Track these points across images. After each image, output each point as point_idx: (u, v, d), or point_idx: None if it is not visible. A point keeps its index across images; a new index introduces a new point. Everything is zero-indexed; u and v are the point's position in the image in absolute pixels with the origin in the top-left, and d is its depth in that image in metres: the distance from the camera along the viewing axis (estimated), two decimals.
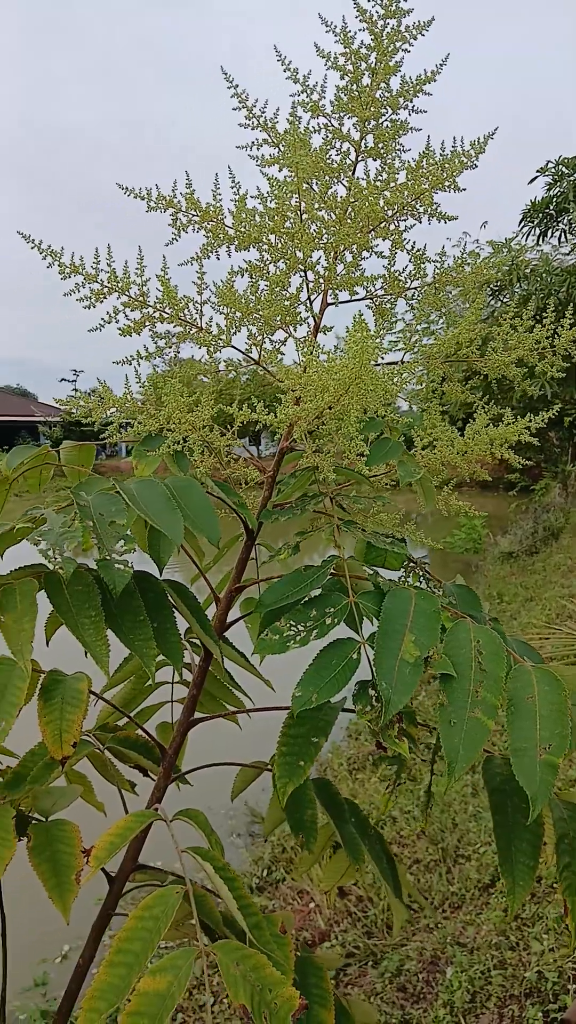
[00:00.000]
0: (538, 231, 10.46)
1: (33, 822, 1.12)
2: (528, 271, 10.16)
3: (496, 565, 12.22)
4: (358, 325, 0.91)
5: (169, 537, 0.92)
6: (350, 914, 4.04)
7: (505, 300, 10.31)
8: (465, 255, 1.25)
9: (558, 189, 9.99)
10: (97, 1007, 0.83)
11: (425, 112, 1.18)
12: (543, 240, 10.61)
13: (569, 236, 10.53)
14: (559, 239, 10.63)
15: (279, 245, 1.16)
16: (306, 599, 1.03)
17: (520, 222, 10.49)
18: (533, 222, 10.46)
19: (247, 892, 0.97)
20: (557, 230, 10.48)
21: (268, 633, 1.00)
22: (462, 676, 0.93)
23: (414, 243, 1.21)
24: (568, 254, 10.99)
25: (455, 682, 0.92)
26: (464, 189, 1.15)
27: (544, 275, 9.88)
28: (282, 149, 1.14)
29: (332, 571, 1.09)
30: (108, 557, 0.89)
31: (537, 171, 10.11)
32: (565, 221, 10.16)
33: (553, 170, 9.98)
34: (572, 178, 9.81)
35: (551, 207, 10.15)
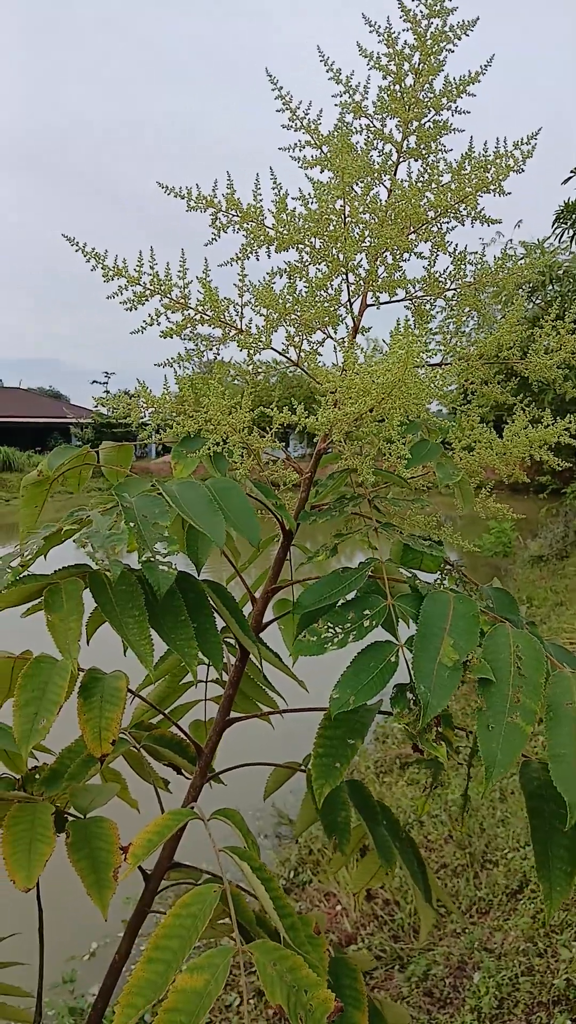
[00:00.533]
0: (572, 232, 10.35)
1: (71, 819, 1.13)
2: (561, 272, 10.06)
3: (526, 569, 12.12)
4: (403, 329, 0.91)
5: (211, 538, 0.92)
6: (377, 917, 4.03)
7: (538, 301, 10.22)
8: (504, 256, 1.24)
9: None
10: (135, 1003, 0.84)
11: (469, 112, 1.17)
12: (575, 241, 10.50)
13: None
14: None
15: (321, 247, 1.17)
16: (343, 601, 1.03)
17: (553, 223, 10.40)
18: (566, 223, 10.36)
19: (283, 893, 0.97)
20: None
21: (306, 635, 1.01)
22: (501, 681, 0.92)
23: (456, 245, 1.20)
24: None
25: (494, 687, 0.92)
26: (509, 193, 1.14)
27: None
28: (325, 151, 1.14)
29: (370, 573, 1.08)
30: (152, 559, 0.90)
31: (571, 172, 10.00)
32: None
33: None
34: None
35: None
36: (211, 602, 1.08)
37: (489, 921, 3.74)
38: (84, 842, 1.07)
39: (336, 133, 1.14)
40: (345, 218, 1.14)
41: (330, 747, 1.06)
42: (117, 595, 0.94)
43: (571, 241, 10.62)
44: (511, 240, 10.83)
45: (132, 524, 0.91)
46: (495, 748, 0.88)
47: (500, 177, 1.12)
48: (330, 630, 1.00)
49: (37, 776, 1.27)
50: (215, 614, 1.09)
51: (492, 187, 1.13)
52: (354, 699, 0.94)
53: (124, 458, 1.31)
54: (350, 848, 1.41)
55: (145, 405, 1.22)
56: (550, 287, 9.85)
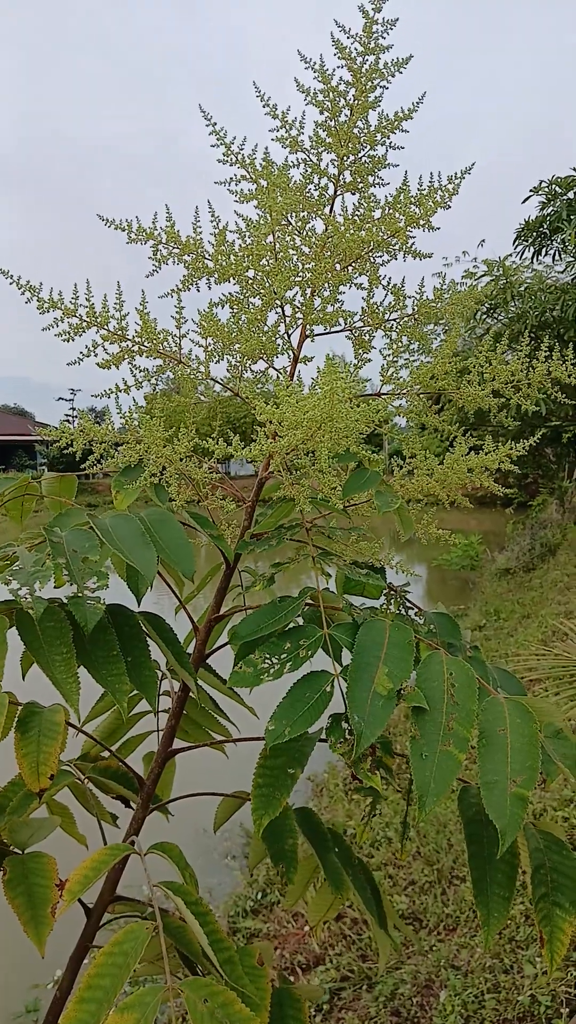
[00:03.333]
0: (532, 250, 10.52)
1: (10, 855, 1.11)
2: (523, 290, 10.21)
3: (493, 582, 12.21)
4: (329, 367, 0.92)
5: (142, 572, 0.92)
6: (345, 937, 4.02)
7: (500, 318, 10.35)
8: (444, 286, 1.27)
9: (551, 208, 10.06)
10: None
11: (403, 148, 1.19)
12: (537, 259, 10.67)
13: (563, 255, 10.59)
14: (553, 258, 10.69)
15: (256, 280, 1.18)
16: (281, 631, 1.04)
17: (514, 241, 10.56)
18: (527, 241, 10.53)
19: (219, 927, 0.96)
20: (551, 249, 10.55)
21: (242, 665, 1.01)
22: (434, 709, 0.93)
23: (391, 279, 1.22)
24: (562, 272, 11.05)
25: (427, 715, 0.93)
26: (438, 228, 1.16)
27: (538, 293, 9.93)
28: (259, 186, 1.16)
29: (309, 602, 1.09)
30: (80, 594, 0.89)
31: (530, 190, 10.17)
32: (559, 240, 10.22)
33: (546, 189, 10.05)
34: (565, 197, 9.88)
35: (545, 226, 10.22)
36: (146, 634, 1.07)
37: (456, 938, 3.74)
38: (21, 878, 1.06)
39: (264, 169, 1.15)
40: (276, 253, 1.16)
41: (270, 777, 1.06)
42: (44, 632, 0.93)
43: (532, 259, 10.80)
44: (475, 259, 11.00)
45: (61, 560, 0.90)
46: (428, 777, 0.89)
47: (428, 213, 1.14)
48: (266, 660, 1.01)
49: None
50: (153, 645, 1.08)
51: (421, 222, 1.15)
52: (289, 730, 0.95)
53: (67, 488, 1.31)
54: (301, 877, 1.40)
55: (87, 435, 1.22)
56: (512, 304, 9.99)
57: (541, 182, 10.15)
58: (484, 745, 0.91)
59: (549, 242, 10.53)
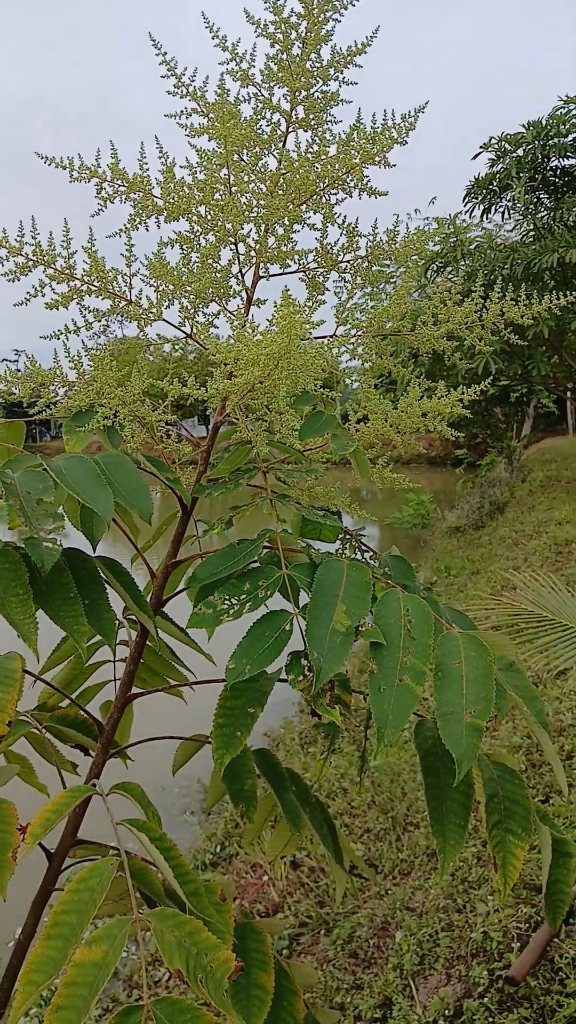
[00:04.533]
0: (482, 208, 10.51)
1: None
2: (473, 248, 10.22)
3: (444, 539, 12.41)
4: (286, 301, 0.91)
5: (99, 513, 0.91)
6: (303, 885, 4.11)
7: (450, 276, 10.36)
8: (396, 228, 1.26)
9: (501, 166, 10.04)
10: (35, 979, 0.84)
11: (356, 84, 1.17)
12: (487, 217, 10.67)
13: (512, 213, 10.61)
14: (502, 216, 10.71)
15: (209, 217, 1.15)
16: (239, 573, 1.04)
17: (464, 198, 10.53)
18: (477, 198, 10.50)
19: (184, 861, 0.98)
20: (501, 207, 10.55)
21: (201, 607, 1.01)
22: (391, 644, 0.94)
23: (345, 217, 1.21)
24: (511, 231, 11.08)
25: (384, 650, 0.94)
26: (394, 165, 1.15)
27: (488, 252, 9.95)
28: (210, 119, 1.13)
29: (267, 544, 1.09)
30: (36, 535, 0.88)
31: (480, 147, 10.12)
32: (508, 198, 10.23)
33: (496, 146, 10.01)
34: (515, 155, 9.86)
35: (494, 183, 10.20)
36: (104, 578, 1.07)
37: (411, 881, 3.86)
38: None
39: (218, 100, 1.12)
40: (231, 187, 1.13)
41: (230, 717, 1.07)
42: (1, 574, 0.92)
43: (481, 216, 10.80)
44: (427, 217, 10.96)
45: (13, 501, 0.88)
46: (387, 709, 0.90)
47: (383, 149, 1.12)
48: (226, 602, 1.01)
49: None
50: (110, 591, 1.08)
51: (377, 159, 1.14)
52: (249, 668, 0.95)
53: (15, 435, 1.28)
54: (260, 816, 1.43)
55: (33, 380, 1.19)
56: (462, 262, 9.99)
57: (491, 139, 10.11)
58: (440, 678, 0.93)
59: (499, 200, 10.52)
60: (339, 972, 3.36)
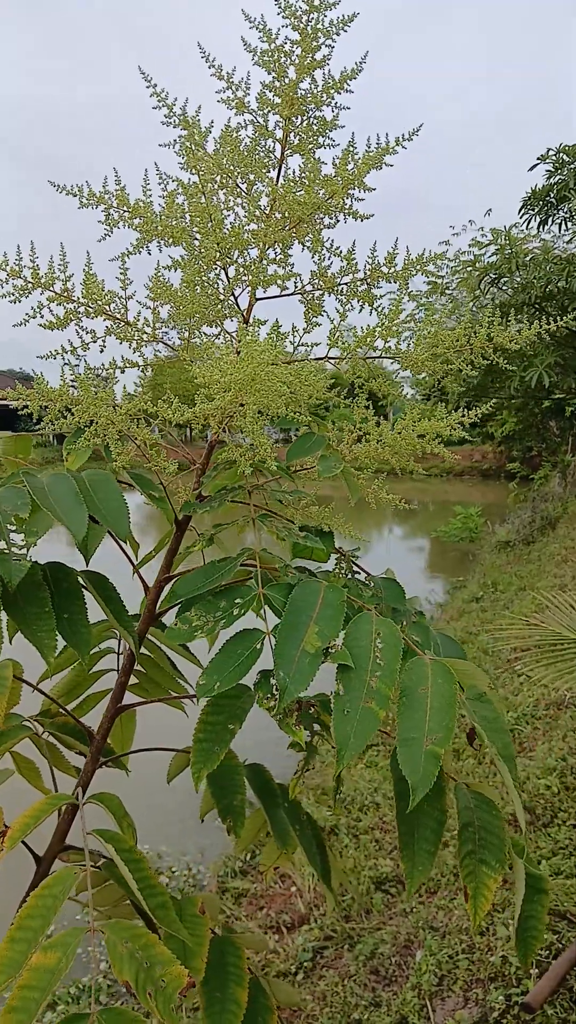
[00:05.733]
0: (538, 219, 10.38)
1: None
2: (528, 260, 10.09)
3: (492, 554, 12.23)
4: (242, 332, 0.92)
5: (71, 531, 0.94)
6: (341, 896, 4.10)
7: (504, 289, 10.25)
8: (394, 251, 1.26)
9: (558, 177, 9.90)
10: None
11: (349, 109, 1.19)
12: (543, 228, 10.53)
13: (569, 224, 10.45)
14: (560, 227, 10.55)
15: (199, 243, 1.18)
16: (216, 590, 1.05)
17: (520, 210, 10.41)
18: (533, 210, 10.38)
19: (152, 874, 1.00)
20: (558, 218, 10.40)
21: (178, 622, 1.03)
22: (359, 667, 0.95)
23: (332, 241, 1.22)
24: (568, 243, 10.91)
25: (352, 672, 0.95)
26: (374, 189, 1.16)
27: (543, 264, 9.82)
28: (183, 146, 1.15)
29: (249, 562, 1.11)
30: (7, 551, 0.91)
31: (537, 159, 10.01)
32: (565, 209, 10.08)
33: (554, 158, 9.89)
34: (572, 166, 9.72)
35: (552, 195, 10.07)
36: (86, 591, 1.10)
37: (437, 900, 3.82)
38: None
39: (187, 134, 1.15)
40: (210, 215, 1.15)
41: (210, 732, 1.08)
42: None
43: (538, 228, 10.66)
44: (481, 228, 10.86)
45: None
46: (349, 731, 0.91)
47: (360, 174, 1.13)
48: (201, 618, 1.03)
49: None
50: (88, 603, 1.11)
51: (355, 183, 1.15)
52: (219, 685, 0.97)
53: (23, 448, 1.32)
54: (249, 830, 1.44)
55: (43, 397, 1.23)
56: (516, 275, 9.87)
57: (548, 150, 10.00)
58: (404, 704, 0.93)
59: (556, 211, 10.38)
60: (359, 988, 3.34)
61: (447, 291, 10.75)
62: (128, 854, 0.97)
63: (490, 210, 11.04)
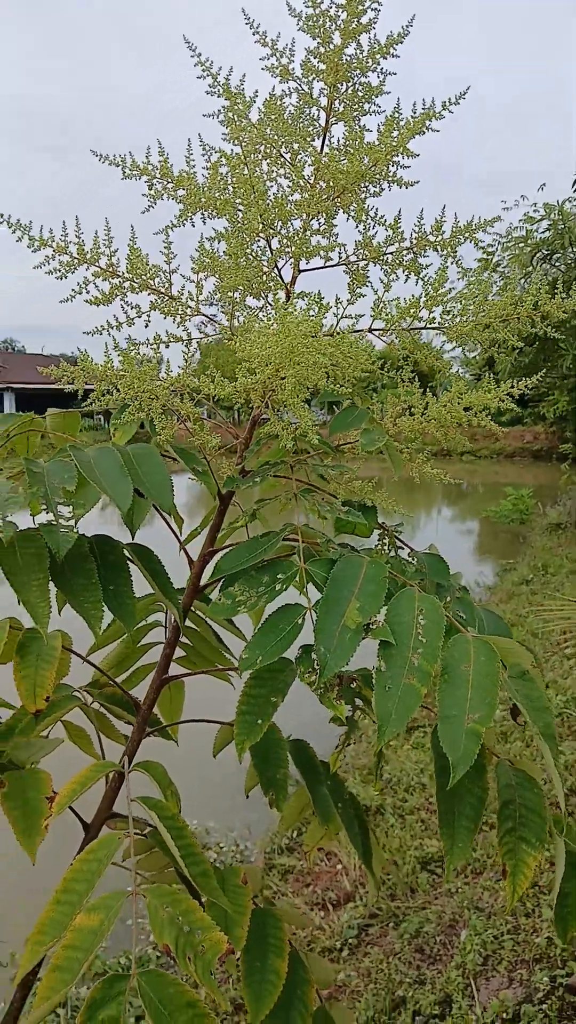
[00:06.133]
0: None
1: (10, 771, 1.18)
2: None
3: (543, 536, 12.05)
4: (279, 306, 0.91)
5: (116, 503, 0.95)
6: (383, 880, 4.12)
7: (557, 264, 10.01)
8: (442, 218, 1.24)
9: None
10: (42, 940, 0.89)
11: (395, 75, 1.16)
12: None
13: None
14: None
15: (246, 214, 1.17)
16: (258, 565, 1.06)
17: (573, 184, 10.14)
18: None
19: (195, 842, 1.01)
20: None
21: (221, 597, 1.03)
22: (401, 644, 0.94)
23: (377, 210, 1.20)
24: None
25: (394, 649, 0.94)
26: (418, 155, 1.13)
27: None
28: (227, 118, 1.14)
29: (291, 537, 1.11)
30: (55, 522, 0.93)
31: None
32: None
33: None
34: None
35: None
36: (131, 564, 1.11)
37: (482, 881, 3.81)
38: (19, 792, 1.12)
39: (230, 104, 1.14)
40: (254, 186, 1.14)
41: (253, 704, 1.09)
42: (23, 558, 0.97)
43: None
44: (535, 203, 10.61)
45: (36, 488, 0.93)
46: (390, 708, 0.90)
47: (404, 140, 1.11)
48: (244, 593, 1.03)
49: None
50: (135, 576, 1.12)
51: (399, 150, 1.12)
52: (261, 659, 0.97)
53: (71, 425, 1.34)
54: (293, 807, 1.45)
55: (88, 373, 1.24)
56: (570, 250, 9.64)
57: None
58: (446, 680, 0.92)
59: None
60: (403, 966, 3.36)
61: (498, 268, 10.56)
62: (171, 821, 0.99)
63: (544, 185, 10.78)
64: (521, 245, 10.32)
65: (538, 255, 10.07)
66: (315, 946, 3.57)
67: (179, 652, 1.59)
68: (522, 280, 10.20)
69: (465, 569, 10.64)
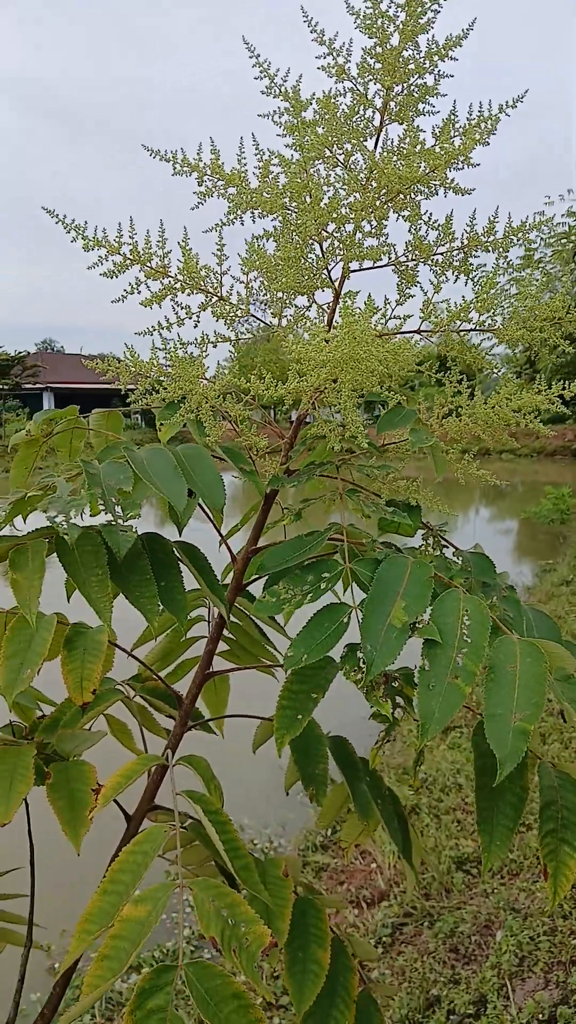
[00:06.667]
0: None
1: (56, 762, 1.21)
2: None
3: None
4: (345, 310, 0.92)
5: (172, 503, 0.97)
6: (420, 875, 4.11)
7: None
8: (495, 218, 1.23)
9: None
10: (89, 929, 0.91)
11: (452, 76, 1.16)
12: None
13: None
14: None
15: (299, 217, 1.18)
16: (305, 563, 1.07)
17: None
18: None
19: (238, 837, 1.02)
20: None
21: (266, 595, 1.05)
22: (446, 643, 0.95)
23: (431, 214, 1.20)
24: None
25: (439, 648, 0.94)
26: (479, 164, 1.13)
27: None
28: (288, 124, 1.15)
29: (337, 537, 1.11)
30: (114, 522, 0.95)
31: None
32: None
33: None
34: None
35: None
36: (180, 561, 1.13)
37: (519, 882, 3.79)
38: (64, 783, 1.15)
39: (292, 109, 1.14)
40: (311, 191, 1.15)
41: (294, 700, 1.10)
42: (82, 556, 1.00)
43: None
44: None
45: (96, 490, 0.96)
46: (433, 706, 0.91)
47: (467, 148, 1.11)
48: (289, 591, 1.04)
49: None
50: (182, 572, 1.14)
51: (460, 159, 1.12)
52: (306, 657, 0.98)
53: (114, 424, 1.36)
54: (332, 803, 1.46)
55: (134, 369, 1.26)
56: None
57: None
58: (492, 680, 0.93)
59: None
60: (438, 965, 3.35)
61: (540, 264, 10.42)
62: (215, 815, 1.01)
63: (570, 189, 10.59)
64: (564, 241, 10.17)
65: (573, 254, 9.91)
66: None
67: (223, 647, 1.61)
68: (565, 277, 10.05)
69: (504, 569, 10.53)
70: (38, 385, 40.51)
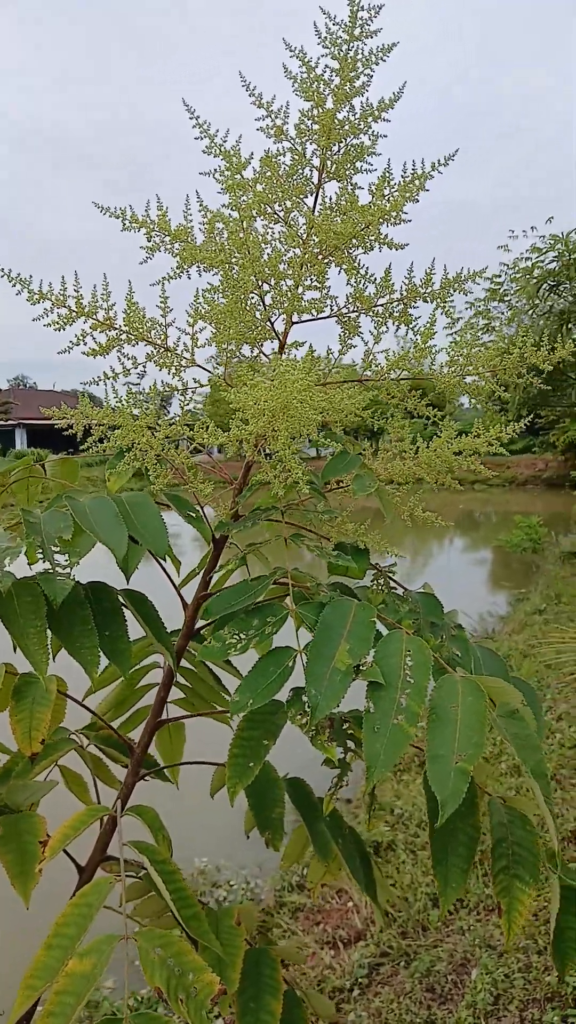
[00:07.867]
0: None
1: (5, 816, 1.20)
2: None
3: (556, 565, 11.99)
4: (276, 361, 0.95)
5: (113, 551, 0.98)
6: (386, 914, 4.06)
7: (563, 295, 10.08)
8: (431, 271, 1.27)
9: None
10: (34, 984, 0.90)
11: (386, 137, 1.21)
12: None
13: None
14: None
15: (240, 272, 1.21)
16: (248, 608, 1.08)
17: None
18: None
19: (185, 886, 1.02)
20: None
21: (211, 640, 1.06)
22: (390, 684, 0.96)
23: (367, 268, 1.24)
24: None
25: (383, 690, 0.96)
26: (410, 220, 1.17)
27: None
28: (226, 183, 1.19)
29: (283, 580, 1.13)
30: (52, 571, 0.96)
31: None
32: None
33: None
34: None
35: None
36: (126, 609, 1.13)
37: (495, 918, 3.76)
38: (14, 836, 1.14)
39: (228, 172, 1.18)
40: (249, 248, 1.18)
41: (245, 747, 1.11)
42: (21, 606, 1.00)
43: None
44: (543, 235, 10.73)
45: (34, 539, 0.96)
46: (379, 748, 0.92)
47: (396, 207, 1.15)
48: (234, 636, 1.05)
49: None
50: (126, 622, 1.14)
51: (392, 216, 1.16)
52: (252, 702, 0.99)
53: (70, 471, 1.37)
54: (295, 845, 1.46)
55: (87, 417, 1.28)
56: None
57: None
58: (434, 720, 0.94)
59: None
60: (414, 1006, 3.31)
61: (505, 298, 10.67)
62: (162, 865, 1.00)
63: (552, 217, 10.90)
64: (527, 276, 10.41)
65: (544, 286, 10.15)
66: (325, 985, 3.53)
67: (179, 694, 1.61)
68: (529, 312, 10.28)
69: (478, 598, 10.59)
70: (10, 421, 40.45)
